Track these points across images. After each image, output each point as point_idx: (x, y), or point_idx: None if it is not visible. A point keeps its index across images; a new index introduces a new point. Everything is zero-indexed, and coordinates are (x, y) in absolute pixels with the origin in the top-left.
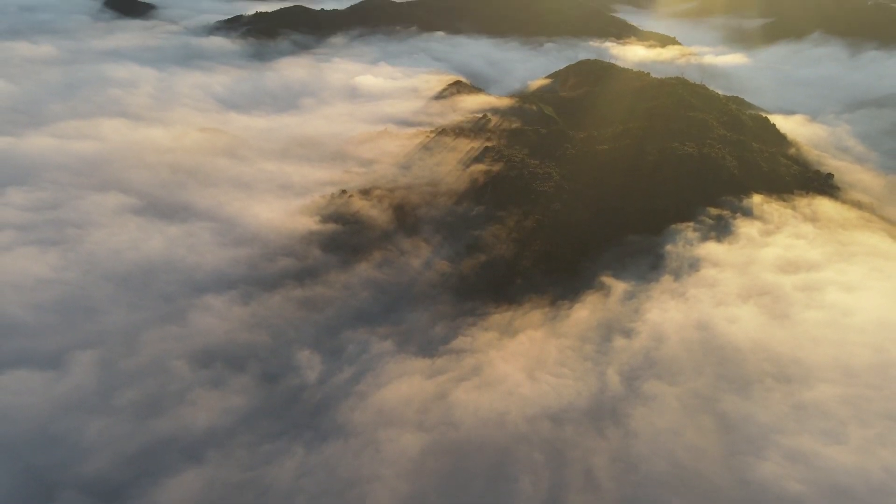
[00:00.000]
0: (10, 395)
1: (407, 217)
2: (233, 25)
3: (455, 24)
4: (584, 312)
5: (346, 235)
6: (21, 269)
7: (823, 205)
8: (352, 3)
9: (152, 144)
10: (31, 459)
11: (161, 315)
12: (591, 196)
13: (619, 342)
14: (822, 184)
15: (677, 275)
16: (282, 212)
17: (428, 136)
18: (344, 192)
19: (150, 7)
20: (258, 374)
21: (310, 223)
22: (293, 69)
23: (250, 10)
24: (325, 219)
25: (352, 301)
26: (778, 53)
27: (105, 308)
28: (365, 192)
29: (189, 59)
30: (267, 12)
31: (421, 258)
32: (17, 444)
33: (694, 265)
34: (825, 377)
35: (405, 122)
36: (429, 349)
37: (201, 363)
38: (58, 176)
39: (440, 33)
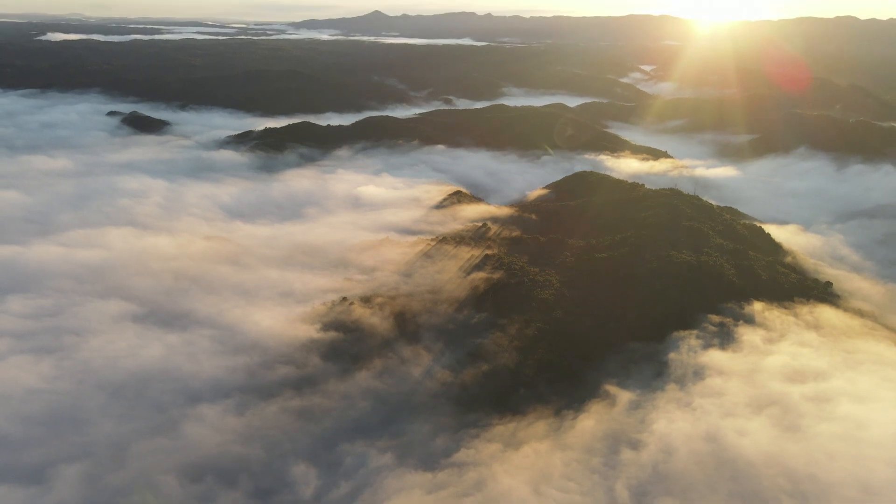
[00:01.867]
0: None
1: (408, 324)
2: (242, 140)
3: (455, 138)
4: (590, 422)
5: (346, 343)
6: (12, 379)
7: (825, 313)
8: (356, 118)
9: (157, 252)
10: None
11: (153, 426)
12: (591, 303)
13: (627, 454)
14: (822, 292)
15: (682, 383)
16: (282, 319)
17: (429, 245)
18: (345, 299)
19: (165, 123)
20: (250, 490)
21: (310, 331)
22: (299, 180)
23: (260, 125)
24: (326, 326)
25: (350, 412)
26: (766, 166)
27: (95, 419)
28: (366, 300)
29: (199, 171)
30: (276, 128)
31: (422, 367)
32: None
33: (699, 373)
34: (844, 495)
35: (406, 231)
36: (429, 462)
37: (191, 478)
38: (61, 283)
39: (441, 146)
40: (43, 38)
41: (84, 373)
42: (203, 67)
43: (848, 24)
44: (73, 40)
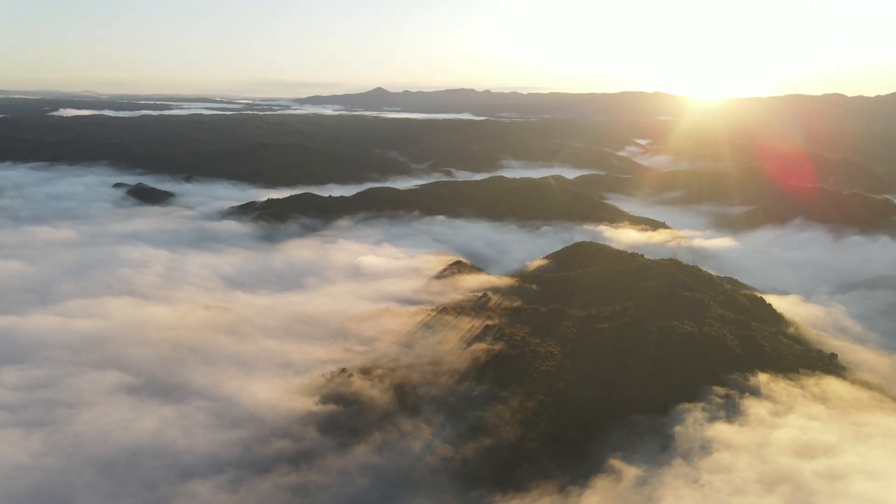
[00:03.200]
0: None
1: (408, 397)
2: (245, 210)
3: (456, 208)
4: (596, 499)
5: (344, 416)
6: None
7: (832, 385)
8: (358, 189)
9: (156, 322)
10: None
11: None
12: (593, 375)
13: None
14: (827, 363)
15: (689, 458)
16: (280, 391)
17: (429, 315)
18: (344, 370)
19: (170, 195)
20: None
21: (308, 403)
22: (300, 250)
23: (263, 196)
24: (325, 399)
25: (348, 488)
26: (764, 237)
27: (82, 497)
28: (365, 371)
29: (201, 241)
30: (278, 199)
31: (422, 441)
32: None
33: (706, 448)
34: None
35: (407, 301)
36: None
37: None
38: (57, 354)
39: (441, 217)
40: (55, 113)
41: (74, 447)
42: (209, 141)
43: (836, 101)
44: (84, 116)
